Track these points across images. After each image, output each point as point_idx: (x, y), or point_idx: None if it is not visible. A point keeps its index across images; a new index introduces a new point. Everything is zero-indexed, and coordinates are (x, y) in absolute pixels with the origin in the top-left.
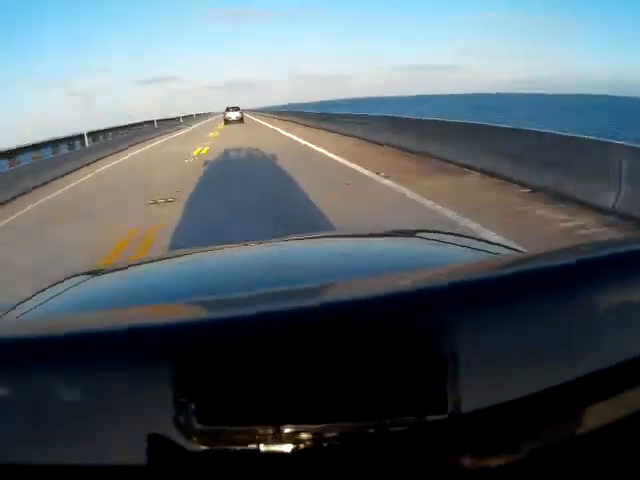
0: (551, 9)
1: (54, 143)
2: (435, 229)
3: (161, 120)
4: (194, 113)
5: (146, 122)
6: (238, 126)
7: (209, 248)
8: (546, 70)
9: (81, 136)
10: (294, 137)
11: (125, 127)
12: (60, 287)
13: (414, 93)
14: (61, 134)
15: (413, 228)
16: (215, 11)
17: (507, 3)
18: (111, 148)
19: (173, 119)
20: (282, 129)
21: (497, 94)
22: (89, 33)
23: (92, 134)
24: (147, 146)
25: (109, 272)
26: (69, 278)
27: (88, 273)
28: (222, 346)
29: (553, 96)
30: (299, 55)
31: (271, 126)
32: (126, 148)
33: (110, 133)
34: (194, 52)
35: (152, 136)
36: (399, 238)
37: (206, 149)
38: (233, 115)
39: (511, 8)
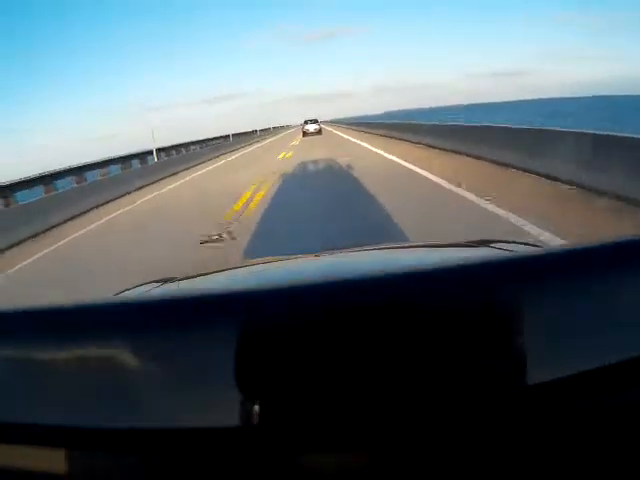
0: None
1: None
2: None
3: (236, 135)
4: (271, 126)
5: (221, 137)
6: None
7: (278, 258)
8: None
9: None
10: (363, 143)
11: (200, 142)
12: (131, 294)
13: (498, 99)
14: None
15: (487, 238)
16: (297, 36)
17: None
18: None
19: (249, 133)
20: (353, 137)
21: (576, 97)
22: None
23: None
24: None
25: (180, 280)
26: (140, 285)
27: (159, 281)
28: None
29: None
30: (377, 66)
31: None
32: (209, 160)
33: (194, 146)
34: (271, 65)
35: (227, 150)
36: (470, 249)
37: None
38: (311, 127)
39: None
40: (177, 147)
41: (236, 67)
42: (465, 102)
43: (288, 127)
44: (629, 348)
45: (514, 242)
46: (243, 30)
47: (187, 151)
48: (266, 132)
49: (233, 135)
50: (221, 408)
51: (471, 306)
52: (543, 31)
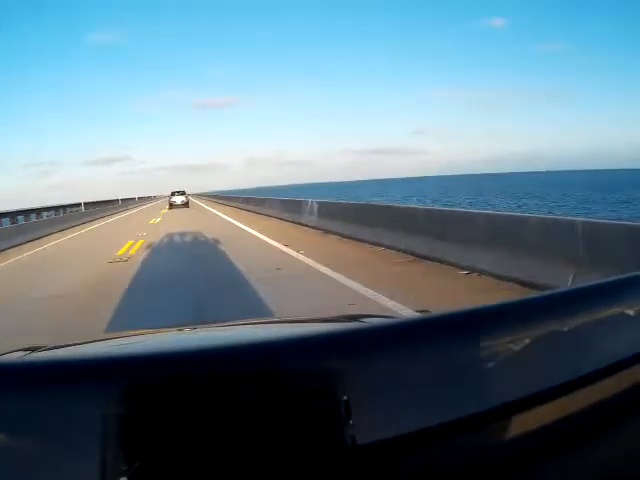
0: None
1: None
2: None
3: (92, 203)
4: (136, 196)
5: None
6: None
7: (144, 331)
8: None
9: None
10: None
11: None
12: None
13: (372, 177)
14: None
15: (365, 313)
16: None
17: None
18: None
19: (110, 202)
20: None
21: (445, 176)
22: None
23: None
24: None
25: (49, 349)
26: (6, 353)
27: (27, 349)
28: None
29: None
30: (255, 141)
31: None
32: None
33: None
34: (148, 134)
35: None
36: (341, 323)
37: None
38: (178, 200)
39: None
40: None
41: (121, 131)
42: (337, 179)
43: (156, 198)
44: (452, 410)
45: (381, 316)
46: (131, 93)
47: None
48: (132, 202)
49: (85, 204)
50: (93, 471)
51: (312, 374)
52: (420, 109)
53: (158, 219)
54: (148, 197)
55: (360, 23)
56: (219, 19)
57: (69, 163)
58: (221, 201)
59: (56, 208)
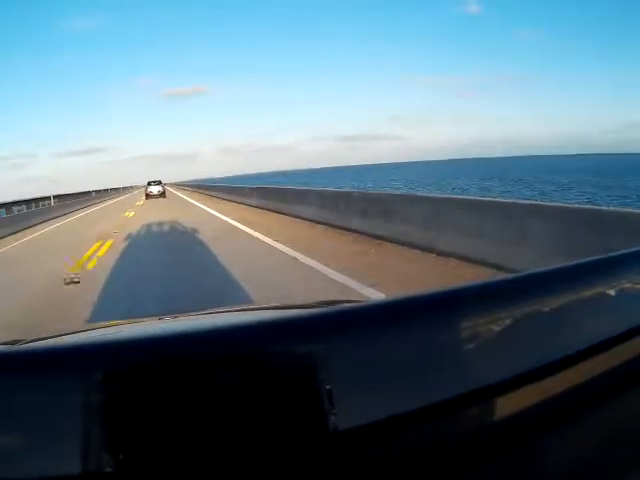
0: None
1: None
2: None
3: (63, 196)
4: (109, 187)
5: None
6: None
7: (125, 321)
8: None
9: None
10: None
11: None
12: None
13: (348, 163)
14: None
15: (343, 298)
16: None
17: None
18: None
19: (84, 193)
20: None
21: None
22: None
23: None
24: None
25: (30, 342)
26: None
27: (6, 343)
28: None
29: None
30: (227, 130)
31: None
32: None
33: None
34: (121, 126)
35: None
36: (322, 308)
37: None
38: (155, 189)
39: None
40: None
41: (95, 122)
42: (314, 166)
43: (132, 188)
44: (435, 393)
45: (355, 301)
46: (99, 80)
47: None
48: (105, 194)
49: (54, 197)
50: (76, 458)
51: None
52: (389, 94)
53: (132, 213)
54: (124, 188)
55: (332, 6)
56: (187, 8)
57: (43, 155)
58: (199, 190)
59: (24, 202)
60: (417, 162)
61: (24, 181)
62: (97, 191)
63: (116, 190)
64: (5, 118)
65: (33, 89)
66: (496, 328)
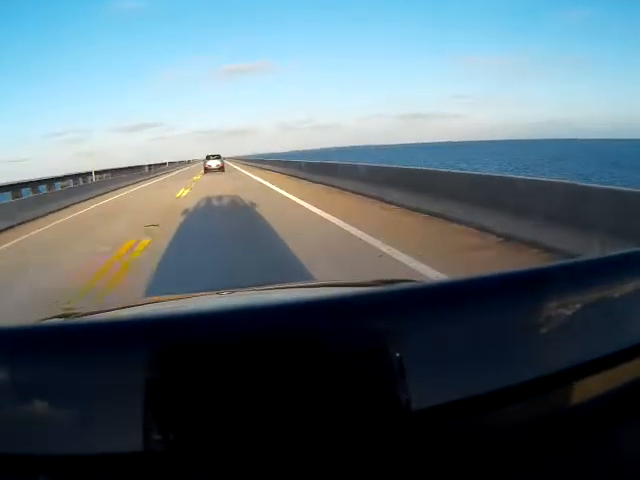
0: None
1: None
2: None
3: (119, 170)
4: (167, 161)
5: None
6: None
7: (180, 296)
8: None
9: None
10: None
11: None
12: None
13: (409, 141)
14: None
15: (399, 278)
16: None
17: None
18: None
19: (137, 167)
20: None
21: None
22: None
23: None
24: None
25: (82, 316)
26: (40, 321)
27: (61, 316)
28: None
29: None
30: (287, 106)
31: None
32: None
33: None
34: (180, 101)
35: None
36: (386, 285)
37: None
38: (214, 164)
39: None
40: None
41: (154, 97)
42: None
43: (190, 162)
44: (503, 377)
45: (414, 281)
46: (163, 61)
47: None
48: (160, 168)
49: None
50: (128, 434)
51: (359, 337)
52: (450, 75)
53: (185, 191)
54: (180, 162)
55: None
56: None
57: (100, 130)
58: (259, 165)
59: (71, 177)
60: (481, 141)
61: (80, 155)
62: (151, 165)
63: (172, 164)
64: (66, 94)
65: (93, 67)
66: (568, 312)
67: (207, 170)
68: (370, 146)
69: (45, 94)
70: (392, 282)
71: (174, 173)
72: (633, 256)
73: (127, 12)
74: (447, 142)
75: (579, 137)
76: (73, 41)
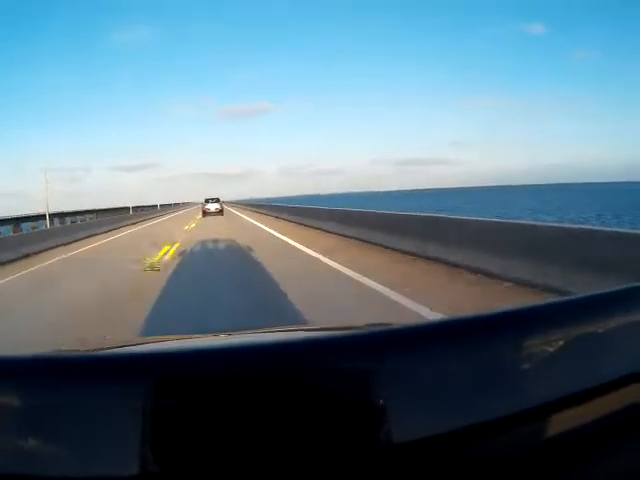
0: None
1: None
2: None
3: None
4: (158, 203)
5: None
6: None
7: (179, 336)
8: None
9: None
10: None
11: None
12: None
13: (408, 187)
14: None
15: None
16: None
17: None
18: None
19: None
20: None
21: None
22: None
23: None
24: None
25: (88, 351)
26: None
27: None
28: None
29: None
30: (289, 150)
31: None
32: None
33: None
34: (177, 141)
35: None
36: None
37: None
38: (212, 207)
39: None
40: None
41: (151, 136)
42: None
43: (188, 205)
44: (479, 411)
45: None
46: (161, 99)
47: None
48: (165, 209)
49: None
50: (125, 459)
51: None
52: (451, 118)
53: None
54: (176, 204)
55: (392, 30)
56: (249, 24)
57: (96, 168)
58: (260, 210)
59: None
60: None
61: (77, 194)
62: (135, 208)
63: (163, 207)
64: (62, 133)
65: (86, 105)
66: (549, 349)
67: (205, 213)
68: (363, 192)
69: (40, 131)
70: (382, 325)
71: (165, 218)
72: (621, 294)
73: (121, 47)
74: (441, 188)
75: (583, 181)
76: (63, 78)
